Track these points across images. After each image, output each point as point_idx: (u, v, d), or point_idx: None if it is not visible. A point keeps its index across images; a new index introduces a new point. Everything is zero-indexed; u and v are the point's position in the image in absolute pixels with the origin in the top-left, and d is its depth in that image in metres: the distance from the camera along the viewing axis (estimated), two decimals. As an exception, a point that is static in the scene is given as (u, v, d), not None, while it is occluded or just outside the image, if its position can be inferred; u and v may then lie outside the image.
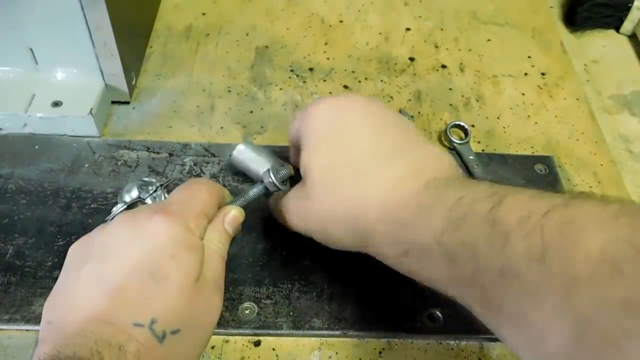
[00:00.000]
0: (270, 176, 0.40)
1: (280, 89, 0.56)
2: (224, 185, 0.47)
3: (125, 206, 0.41)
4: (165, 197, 0.42)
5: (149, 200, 0.41)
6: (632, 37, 0.66)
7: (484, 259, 0.28)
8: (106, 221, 0.41)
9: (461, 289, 0.31)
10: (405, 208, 0.33)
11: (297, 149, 0.39)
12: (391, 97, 0.56)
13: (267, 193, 0.41)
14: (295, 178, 0.40)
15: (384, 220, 0.33)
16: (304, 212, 0.37)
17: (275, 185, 0.40)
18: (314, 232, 0.38)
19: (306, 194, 0.37)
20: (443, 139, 0.52)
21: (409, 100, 0.56)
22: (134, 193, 0.41)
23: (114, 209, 0.41)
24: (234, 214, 0.38)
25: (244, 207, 0.39)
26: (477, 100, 0.57)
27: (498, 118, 0.55)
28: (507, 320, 0.28)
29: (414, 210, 0.32)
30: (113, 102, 0.53)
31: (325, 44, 0.61)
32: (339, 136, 0.36)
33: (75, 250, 0.34)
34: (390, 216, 0.33)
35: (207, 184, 0.38)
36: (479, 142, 0.53)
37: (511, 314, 0.27)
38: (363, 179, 0.35)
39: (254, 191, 0.40)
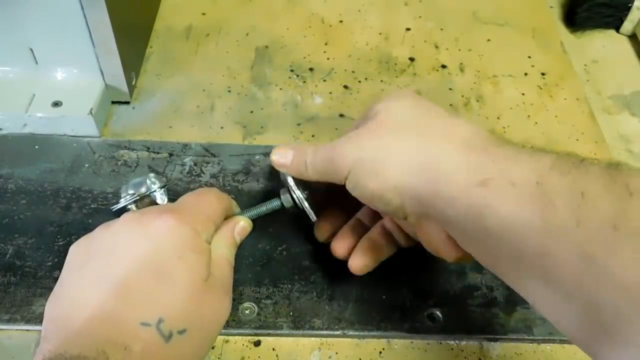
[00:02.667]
0: (287, 194, 0.39)
1: (280, 89, 0.56)
2: (224, 186, 0.47)
3: (135, 198, 0.41)
4: (166, 197, 0.42)
5: (157, 196, 0.41)
6: (632, 37, 0.66)
7: (594, 209, 0.25)
8: (112, 210, 0.41)
9: (547, 240, 0.26)
10: (499, 144, 0.31)
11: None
12: (391, 97, 0.56)
13: (280, 210, 0.40)
14: (311, 198, 0.39)
15: (467, 150, 0.31)
16: (366, 142, 0.34)
17: (294, 200, 0.39)
18: (370, 162, 0.33)
19: (372, 128, 0.34)
20: (443, 139, 0.53)
21: (409, 100, 0.56)
22: (143, 188, 0.42)
23: (122, 199, 0.41)
24: (243, 225, 0.38)
25: (253, 220, 0.39)
26: (477, 100, 0.57)
27: (498, 118, 0.55)
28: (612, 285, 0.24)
29: (510, 147, 0.30)
30: (113, 102, 0.53)
31: (325, 44, 0.61)
32: (421, 106, 0.35)
33: (78, 249, 0.34)
34: (474, 145, 0.31)
35: (215, 193, 0.38)
36: (479, 142, 0.53)
37: (616, 275, 0.24)
38: (441, 127, 0.33)
39: (268, 207, 0.40)
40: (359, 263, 0.38)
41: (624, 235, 0.24)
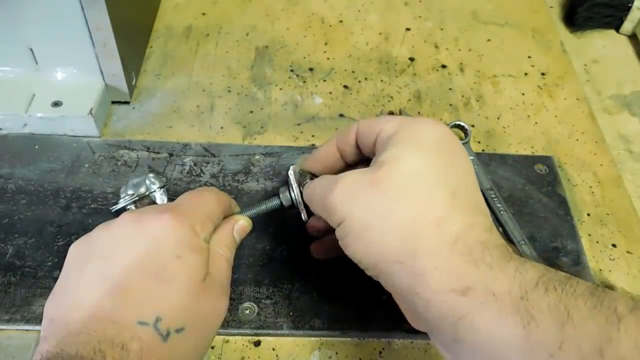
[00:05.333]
0: (287, 193, 0.39)
1: (280, 89, 0.56)
2: (224, 186, 0.47)
3: (134, 198, 0.41)
4: (165, 197, 0.42)
5: (157, 196, 0.42)
6: (632, 37, 0.66)
7: (579, 332, 0.24)
8: (112, 211, 0.41)
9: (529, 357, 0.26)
10: (486, 247, 0.29)
11: (364, 144, 0.36)
12: (391, 97, 0.56)
13: (279, 209, 0.40)
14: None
15: (451, 249, 0.29)
16: (367, 197, 0.31)
17: (292, 200, 0.39)
18: (365, 218, 0.31)
19: (377, 179, 0.31)
20: (443, 139, 0.52)
21: (409, 100, 0.56)
22: (143, 189, 0.42)
23: (121, 200, 0.41)
24: (242, 224, 0.38)
25: (253, 219, 0.39)
26: (477, 100, 0.57)
27: (498, 118, 0.55)
28: None
29: (497, 253, 0.28)
30: (113, 102, 0.53)
31: (325, 44, 0.61)
32: (450, 152, 0.33)
33: (77, 249, 0.34)
34: (462, 245, 0.29)
35: (215, 192, 0.38)
36: (479, 142, 0.53)
37: None
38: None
39: (267, 205, 0.40)
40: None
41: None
